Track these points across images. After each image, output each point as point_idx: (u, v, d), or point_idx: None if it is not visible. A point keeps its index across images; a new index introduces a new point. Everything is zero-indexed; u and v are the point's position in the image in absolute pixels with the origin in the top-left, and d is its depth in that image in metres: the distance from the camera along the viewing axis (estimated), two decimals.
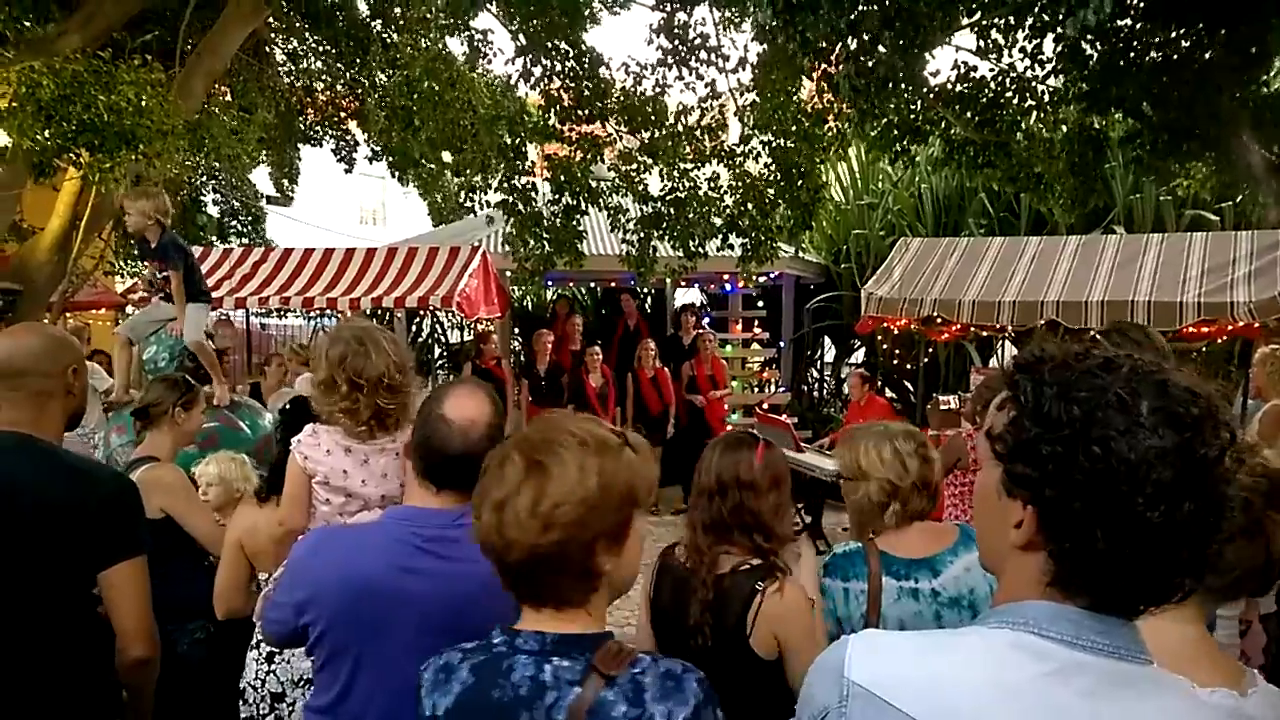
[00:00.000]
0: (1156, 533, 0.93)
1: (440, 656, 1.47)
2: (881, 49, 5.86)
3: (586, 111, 8.83)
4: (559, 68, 8.83)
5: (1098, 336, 2.88)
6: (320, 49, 11.16)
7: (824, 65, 6.52)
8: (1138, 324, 2.95)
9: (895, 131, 8.16)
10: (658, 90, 8.90)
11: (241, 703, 2.73)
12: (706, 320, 13.32)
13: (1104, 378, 0.97)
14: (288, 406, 3.03)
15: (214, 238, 14.28)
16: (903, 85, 6.48)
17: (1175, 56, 6.29)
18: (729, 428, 11.15)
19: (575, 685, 1.34)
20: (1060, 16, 5.35)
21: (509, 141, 9.02)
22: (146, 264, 4.93)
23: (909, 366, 11.60)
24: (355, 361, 2.33)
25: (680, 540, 2.48)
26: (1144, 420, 0.93)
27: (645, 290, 13.71)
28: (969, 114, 7.85)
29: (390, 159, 11.66)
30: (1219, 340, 7.72)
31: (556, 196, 9.18)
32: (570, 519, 1.34)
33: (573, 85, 8.87)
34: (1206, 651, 1.57)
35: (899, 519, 2.37)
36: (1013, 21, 7.00)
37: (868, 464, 2.38)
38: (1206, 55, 6.17)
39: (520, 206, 9.10)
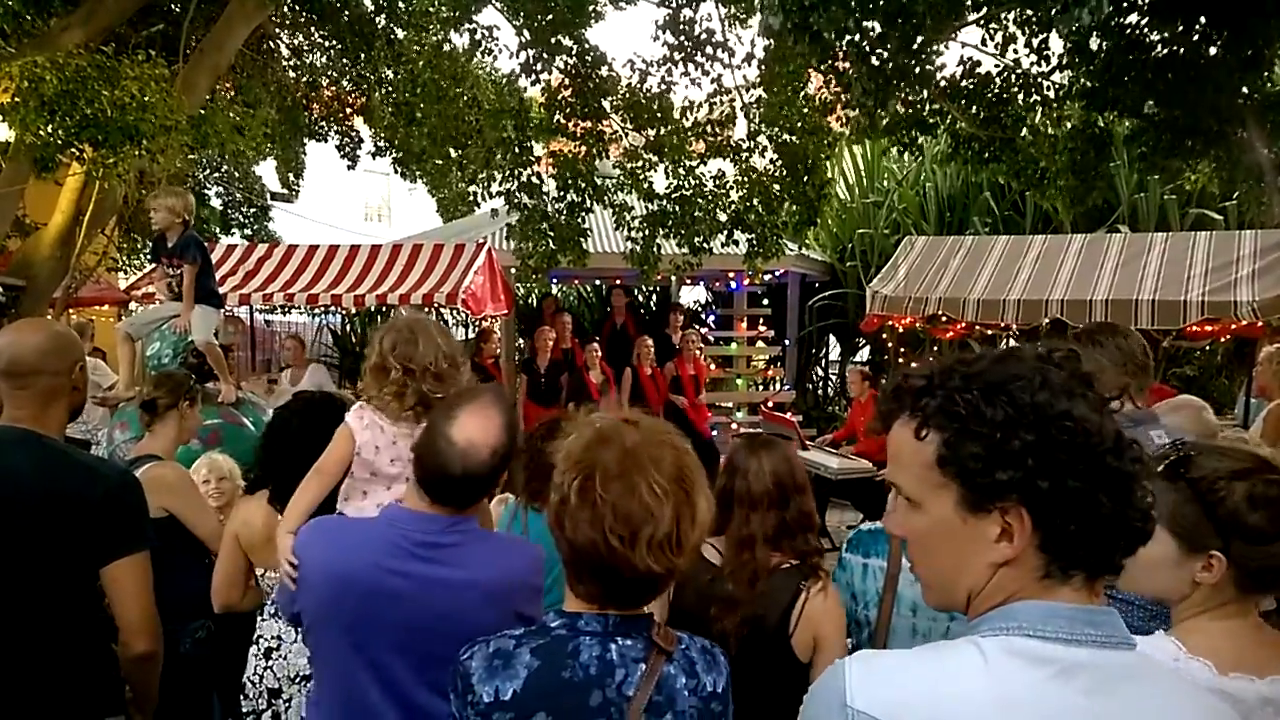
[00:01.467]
0: (1128, 480, 0.97)
1: (486, 645, 1.49)
2: (889, 45, 5.84)
3: (591, 107, 8.81)
4: (563, 64, 8.81)
5: (1070, 337, 2.92)
6: (325, 44, 11.16)
7: (833, 61, 6.50)
8: (1109, 323, 2.96)
9: (902, 125, 8.15)
10: (663, 87, 8.88)
11: (243, 698, 2.74)
12: (712, 318, 13.32)
13: (1008, 367, 1.00)
14: (293, 406, 3.00)
15: (217, 229, 14.29)
16: (910, 81, 6.46)
17: (1180, 53, 6.27)
18: (733, 427, 11.15)
19: (640, 662, 1.44)
20: (1055, 13, 5.32)
21: (512, 137, 9.00)
22: (163, 261, 4.95)
23: (914, 365, 11.57)
24: (405, 349, 2.40)
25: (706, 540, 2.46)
26: (1068, 388, 0.97)
27: (650, 288, 13.69)
28: (975, 109, 7.83)
29: (395, 155, 11.66)
30: (1221, 340, 7.71)
31: (561, 193, 9.16)
32: (699, 544, 1.47)
33: (576, 81, 8.85)
34: (1260, 641, 1.56)
35: None
36: (1020, 16, 6.99)
37: None
38: (1211, 52, 6.14)
39: (526, 200, 9.07)
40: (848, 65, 6.28)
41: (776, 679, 2.20)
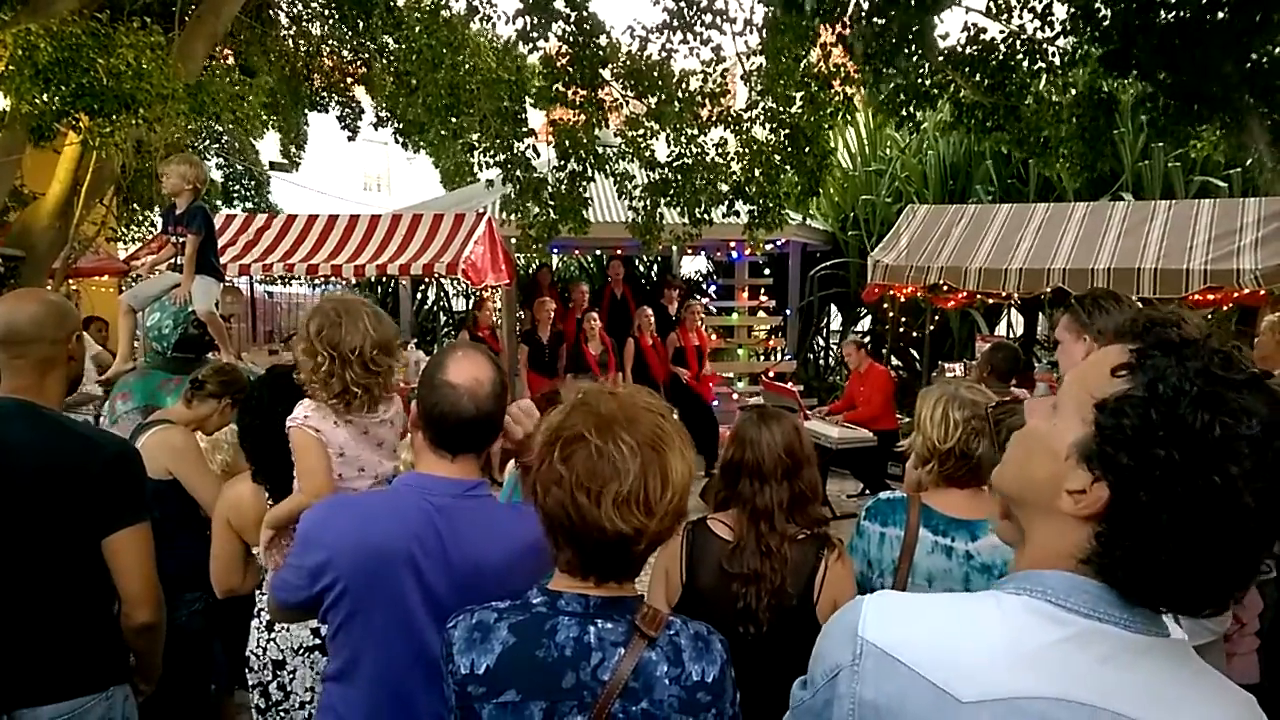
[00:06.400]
0: (1232, 562, 0.90)
1: (470, 615, 1.48)
2: (894, 10, 5.77)
3: (587, 75, 8.70)
4: (560, 30, 8.69)
5: (1073, 303, 2.86)
6: (324, 12, 11.04)
7: (836, 26, 6.43)
8: (1110, 291, 2.90)
9: (902, 96, 8.06)
10: (664, 55, 8.78)
11: (247, 670, 2.75)
12: (713, 288, 13.28)
13: (1247, 399, 0.88)
14: (263, 379, 2.95)
15: (218, 201, 14.24)
16: (913, 47, 6.38)
17: (1189, 17, 6.18)
18: (734, 398, 11.16)
19: (619, 646, 1.40)
20: None
21: (509, 105, 8.91)
22: (169, 230, 4.94)
23: (915, 334, 11.57)
24: (331, 332, 2.31)
25: (712, 516, 2.47)
26: (1270, 458, 0.86)
27: (652, 258, 13.63)
28: (979, 77, 7.75)
29: (397, 125, 11.57)
30: (1223, 308, 7.69)
31: (561, 162, 9.09)
32: (680, 507, 1.42)
33: (574, 48, 8.74)
34: None
35: (935, 479, 2.41)
36: None
37: (921, 419, 2.44)
38: (1220, 16, 6.06)
39: (519, 172, 9.01)
40: (851, 30, 6.21)
41: (803, 647, 2.23)
